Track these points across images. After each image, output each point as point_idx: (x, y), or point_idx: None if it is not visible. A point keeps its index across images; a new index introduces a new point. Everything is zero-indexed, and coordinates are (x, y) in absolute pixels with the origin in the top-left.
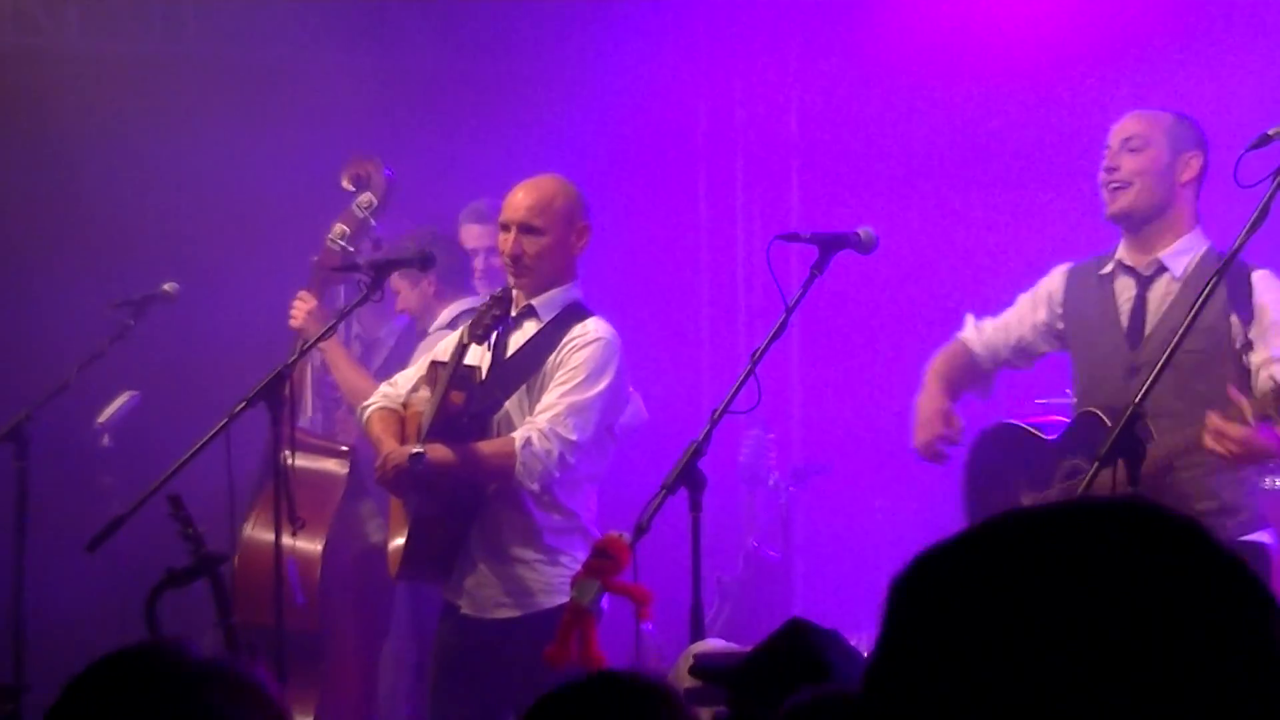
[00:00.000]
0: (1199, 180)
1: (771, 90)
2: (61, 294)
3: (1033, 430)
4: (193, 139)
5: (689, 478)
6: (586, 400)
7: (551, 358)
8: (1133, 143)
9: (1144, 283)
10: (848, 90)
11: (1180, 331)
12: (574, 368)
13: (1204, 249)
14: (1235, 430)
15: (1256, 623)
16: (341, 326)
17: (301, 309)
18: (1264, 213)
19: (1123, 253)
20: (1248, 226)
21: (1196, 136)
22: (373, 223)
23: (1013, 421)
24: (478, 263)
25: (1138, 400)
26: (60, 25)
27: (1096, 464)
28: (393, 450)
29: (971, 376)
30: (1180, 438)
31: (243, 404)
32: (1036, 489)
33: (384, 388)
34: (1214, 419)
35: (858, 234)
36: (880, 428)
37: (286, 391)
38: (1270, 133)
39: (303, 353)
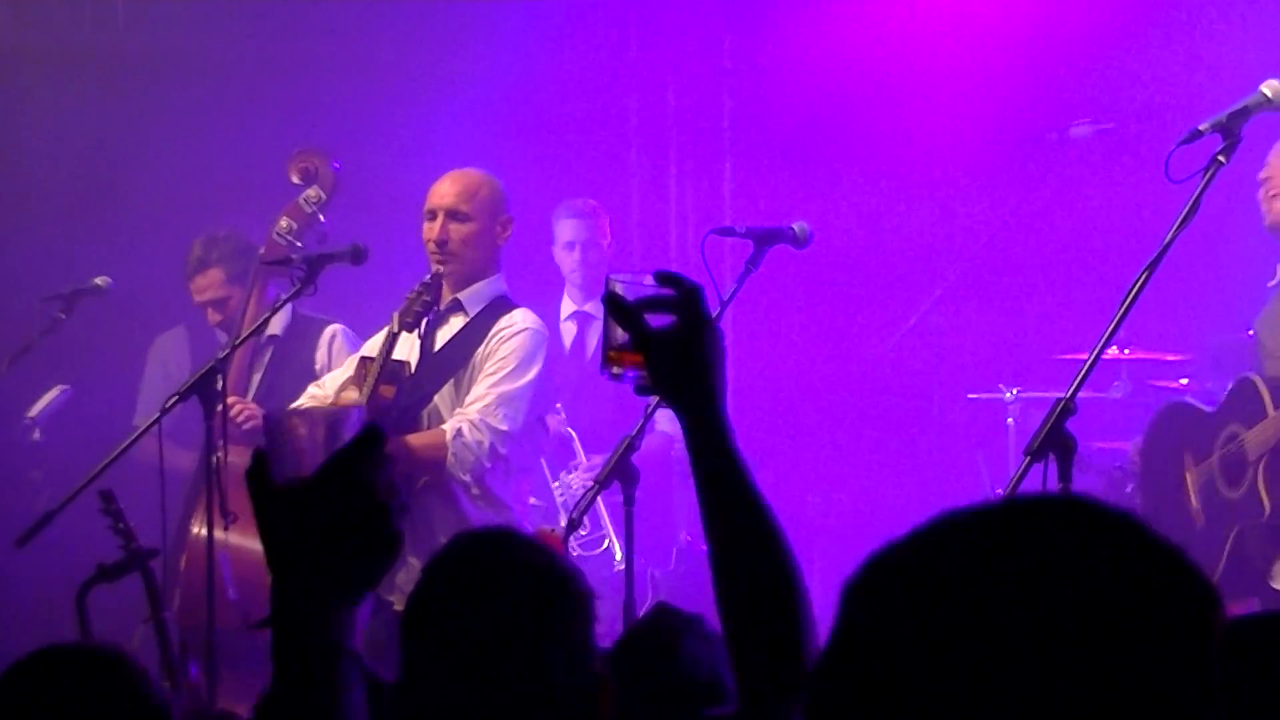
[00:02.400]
0: None
1: (704, 84)
2: None
3: (1195, 404)
4: (128, 131)
5: (622, 472)
6: (516, 390)
7: (479, 350)
8: None
9: None
10: (780, 85)
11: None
12: (503, 358)
13: None
14: None
15: (1196, 612)
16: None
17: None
18: (1194, 207)
19: None
20: (1178, 221)
21: None
22: (321, 218)
23: (1182, 399)
24: (575, 255)
25: (1069, 395)
26: None
27: (1028, 459)
28: None
29: None
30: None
31: (175, 398)
32: (1199, 458)
33: (311, 389)
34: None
35: (792, 229)
36: (812, 422)
37: (220, 386)
38: (1202, 128)
39: (234, 347)
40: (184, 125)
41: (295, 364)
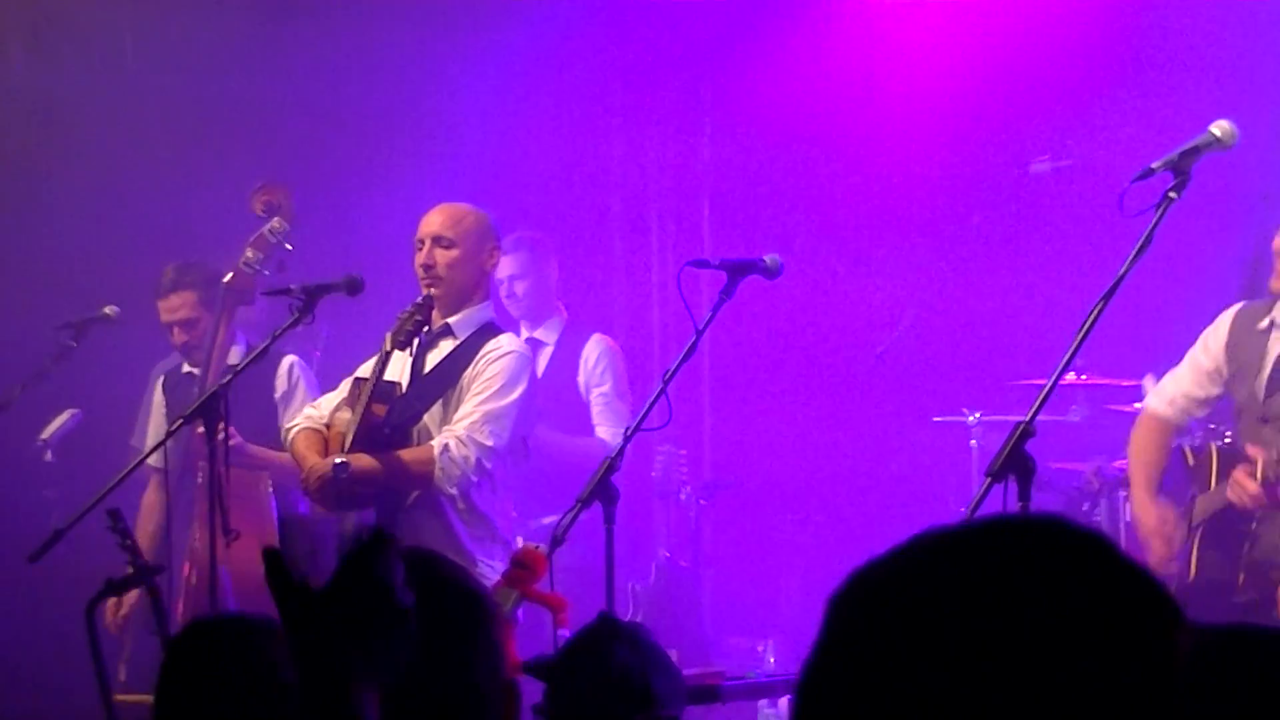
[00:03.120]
0: None
1: (684, 123)
2: (4, 316)
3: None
4: (128, 167)
5: (603, 492)
6: (502, 408)
7: (467, 371)
8: None
9: None
10: (757, 128)
11: (1072, 345)
12: (489, 378)
13: None
14: (1251, 486)
15: (1161, 629)
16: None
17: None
18: (1147, 241)
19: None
20: (1132, 254)
21: None
22: (287, 246)
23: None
24: (502, 291)
25: (1029, 419)
26: (7, 60)
27: (989, 479)
28: (316, 463)
29: (1168, 447)
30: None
31: (180, 421)
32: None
33: (308, 409)
34: (1236, 472)
35: (764, 260)
36: (785, 444)
37: (222, 408)
38: (1154, 166)
39: (237, 373)
40: (186, 161)
41: (254, 393)
